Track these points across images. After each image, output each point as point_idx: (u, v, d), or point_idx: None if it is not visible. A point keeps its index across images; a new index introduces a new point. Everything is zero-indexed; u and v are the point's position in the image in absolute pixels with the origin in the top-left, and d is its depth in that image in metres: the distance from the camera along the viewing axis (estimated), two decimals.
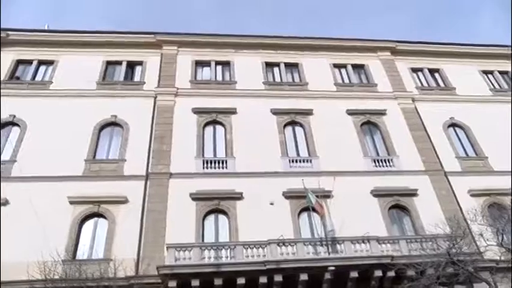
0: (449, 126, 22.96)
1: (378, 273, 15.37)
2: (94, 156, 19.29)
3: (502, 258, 15.70)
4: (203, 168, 19.13)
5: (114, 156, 19.44)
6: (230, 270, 14.74)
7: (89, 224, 17.23)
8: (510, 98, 24.66)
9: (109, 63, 23.84)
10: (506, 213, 17.72)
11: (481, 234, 14.60)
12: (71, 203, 17.25)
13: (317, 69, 24.77)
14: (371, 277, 15.44)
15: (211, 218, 17.69)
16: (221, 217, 17.74)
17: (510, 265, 14.97)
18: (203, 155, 19.71)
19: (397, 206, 18.93)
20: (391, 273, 15.33)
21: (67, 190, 17.38)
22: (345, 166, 19.48)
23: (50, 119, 20.06)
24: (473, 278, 14.93)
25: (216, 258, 15.28)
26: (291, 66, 25.13)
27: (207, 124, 21.12)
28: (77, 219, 16.97)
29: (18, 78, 22.58)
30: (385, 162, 20.47)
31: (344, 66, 25.61)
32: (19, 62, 23.19)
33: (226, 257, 15.31)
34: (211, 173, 18.93)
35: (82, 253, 16.03)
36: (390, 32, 64.26)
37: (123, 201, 17.50)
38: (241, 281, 14.72)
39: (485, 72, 26.86)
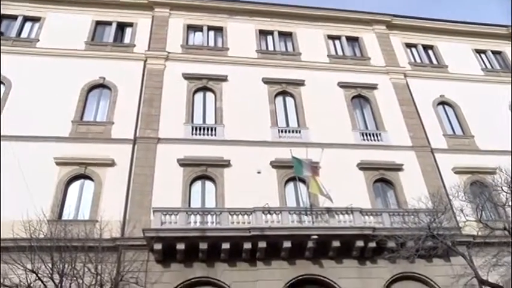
0: (439, 103, 23.11)
1: (360, 243, 15.76)
2: (81, 118, 19.03)
3: (479, 233, 16.21)
4: (192, 134, 19.06)
5: (102, 119, 19.21)
6: (215, 235, 14.96)
7: (75, 186, 17.20)
8: (502, 78, 24.84)
9: (98, 23, 23.16)
10: (487, 190, 18.19)
11: (462, 210, 14.97)
12: (57, 164, 17.13)
13: (311, 39, 24.47)
14: (353, 247, 15.83)
15: (198, 184, 17.78)
16: (208, 183, 17.84)
17: (486, 240, 15.48)
18: (192, 121, 19.59)
19: (382, 180, 19.24)
20: (372, 244, 15.73)
21: (53, 151, 17.23)
22: (334, 138, 19.60)
23: (36, 77, 19.59)
24: (451, 251, 15.44)
25: (201, 223, 15.47)
26: (285, 36, 24.76)
27: (197, 90, 20.89)
28: (63, 180, 16.91)
29: (2, 33, 21.80)
30: (373, 136, 20.63)
31: (338, 37, 25.34)
32: (3, 17, 22.27)
33: (212, 223, 15.51)
34: (200, 140, 18.87)
35: (68, 214, 16.01)
36: (386, 6, 63.24)
37: (110, 164, 17.44)
38: (226, 246, 14.98)
39: (479, 52, 26.84)
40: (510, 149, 19.15)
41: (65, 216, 15.97)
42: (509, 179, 14.36)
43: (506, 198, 14.67)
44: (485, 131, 21.70)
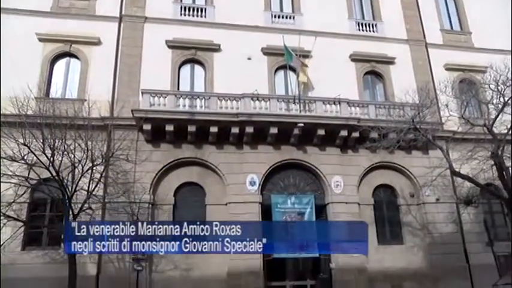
0: None
1: (344, 133, 16.28)
2: None
3: (460, 129, 16.77)
4: (180, 15, 18.12)
5: None
6: (204, 118, 15.20)
7: (60, 64, 16.82)
8: None
9: None
10: (474, 88, 18.38)
11: (447, 105, 15.16)
12: (40, 40, 16.49)
13: None
14: (336, 136, 16.38)
15: (187, 68, 17.51)
16: (197, 67, 17.57)
17: (464, 136, 16.09)
18: (181, 0, 18.52)
19: (372, 72, 19.17)
20: (356, 134, 16.27)
21: (35, 26, 16.42)
22: (328, 27, 18.88)
23: None
24: (430, 145, 16.08)
25: (190, 107, 15.59)
26: None
27: None
28: (47, 57, 16.46)
29: None
30: (369, 27, 19.95)
31: None
32: None
33: (201, 107, 15.64)
34: (189, 21, 18.03)
35: (55, 91, 15.90)
36: None
37: (96, 42, 16.84)
38: (214, 129, 15.34)
39: None
40: (505, 48, 18.89)
41: (52, 94, 15.90)
42: (498, 77, 14.37)
43: (492, 96, 14.86)
44: (484, 28, 21.04)
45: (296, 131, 15.79)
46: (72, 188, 12.12)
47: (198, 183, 15.85)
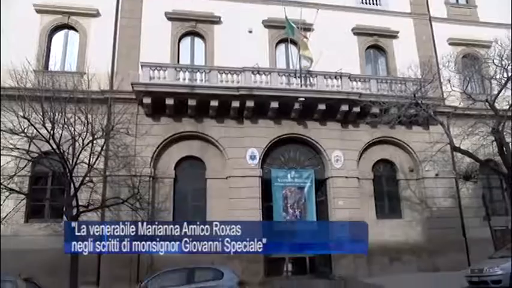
0: None
1: (345, 107, 16.21)
2: None
3: (461, 105, 16.67)
4: None
5: None
6: (204, 92, 15.10)
7: (59, 36, 16.65)
8: None
9: None
10: (477, 63, 18.16)
11: (449, 80, 15.04)
12: (38, 11, 16.27)
13: None
14: (337, 111, 16.31)
15: (187, 41, 17.29)
16: (197, 40, 17.35)
17: (466, 112, 16.00)
18: None
19: (375, 47, 18.96)
20: (357, 109, 16.21)
21: None
22: None
23: None
24: (431, 120, 16.01)
25: (190, 80, 15.44)
26: None
27: None
28: (46, 29, 16.29)
29: None
30: (372, 0, 19.54)
31: None
32: None
33: (201, 80, 15.50)
34: None
35: (54, 64, 15.75)
36: None
37: (94, 14, 16.58)
38: (214, 103, 15.27)
39: None
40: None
41: (51, 67, 15.78)
42: (503, 52, 14.16)
43: (495, 72, 14.69)
44: (490, 1, 20.59)
45: (297, 106, 15.72)
46: (72, 161, 12.15)
47: (199, 157, 15.91)
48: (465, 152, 14.64)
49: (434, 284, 13.08)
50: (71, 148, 12.31)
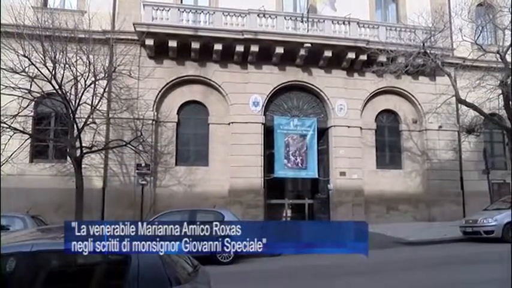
0: None
1: (351, 55, 15.84)
2: None
3: (470, 56, 16.23)
4: None
5: None
6: (208, 35, 14.71)
7: None
8: None
9: None
10: (491, 12, 17.49)
11: (460, 30, 14.56)
12: None
13: None
14: (343, 58, 15.97)
15: None
16: None
17: (474, 64, 15.58)
18: None
19: None
20: (363, 57, 15.85)
21: None
22: None
23: None
24: (438, 71, 15.73)
25: (194, 22, 14.98)
26: None
27: None
28: None
29: None
30: None
31: None
32: None
33: (205, 22, 15.03)
34: None
35: (53, 1, 15.24)
36: None
37: None
38: (218, 47, 14.91)
39: None
40: None
41: (50, 4, 15.25)
42: None
43: (511, 21, 14.15)
44: None
45: (302, 52, 15.35)
46: (75, 102, 12.09)
47: (201, 102, 15.80)
48: (470, 105, 14.51)
49: (428, 233, 13.45)
50: (73, 89, 12.22)
